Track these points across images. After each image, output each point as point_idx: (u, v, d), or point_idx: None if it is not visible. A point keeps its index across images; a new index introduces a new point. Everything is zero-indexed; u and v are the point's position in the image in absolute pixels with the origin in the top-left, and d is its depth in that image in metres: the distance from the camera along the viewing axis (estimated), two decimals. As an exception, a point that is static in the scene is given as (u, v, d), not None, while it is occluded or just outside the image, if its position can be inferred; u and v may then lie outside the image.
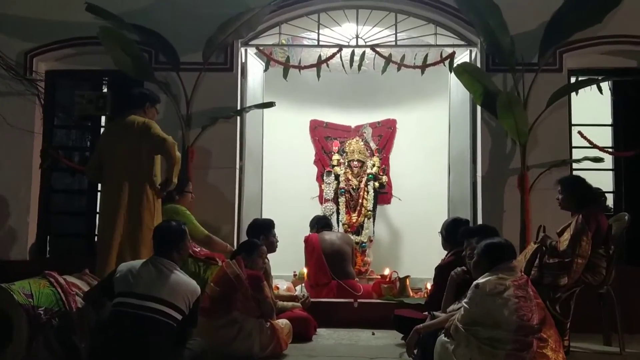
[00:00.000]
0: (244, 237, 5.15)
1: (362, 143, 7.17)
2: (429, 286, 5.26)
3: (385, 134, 7.51)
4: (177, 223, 3.59)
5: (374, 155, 7.24)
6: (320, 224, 6.00)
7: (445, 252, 4.50)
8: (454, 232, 4.26)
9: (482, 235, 3.76)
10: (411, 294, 5.57)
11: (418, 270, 6.29)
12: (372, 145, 7.33)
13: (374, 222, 7.07)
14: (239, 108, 5.70)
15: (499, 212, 5.40)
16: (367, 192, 7.03)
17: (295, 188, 7.33)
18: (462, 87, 5.56)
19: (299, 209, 7.08)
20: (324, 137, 7.54)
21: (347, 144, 7.19)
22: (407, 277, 5.67)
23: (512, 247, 3.56)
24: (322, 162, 7.49)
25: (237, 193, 5.71)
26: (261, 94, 6.30)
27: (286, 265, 6.18)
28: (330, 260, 5.65)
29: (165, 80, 5.60)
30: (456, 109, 6.08)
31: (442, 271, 4.15)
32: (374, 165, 7.16)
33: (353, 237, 6.63)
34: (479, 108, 5.62)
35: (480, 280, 3.38)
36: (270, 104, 5.63)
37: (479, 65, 5.64)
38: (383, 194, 7.29)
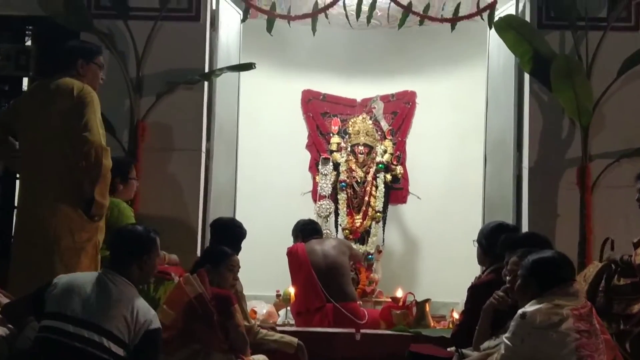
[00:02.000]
0: (207, 242, 5.24)
1: (370, 122, 7.18)
2: (456, 314, 5.29)
3: (401, 110, 7.52)
4: (144, 229, 3.54)
5: (385, 138, 7.25)
6: (305, 231, 5.97)
7: (482, 268, 4.47)
8: (497, 242, 4.20)
9: (528, 246, 3.73)
10: (432, 323, 5.56)
11: (441, 292, 6.35)
12: (384, 125, 7.32)
13: (384, 227, 7.11)
14: (207, 70, 5.66)
15: (550, 217, 5.41)
16: (376, 187, 7.05)
17: (281, 180, 7.37)
18: (506, 49, 5.53)
19: (285, 207, 7.13)
20: (321, 113, 7.58)
21: (350, 122, 7.20)
22: (427, 301, 5.64)
23: (570, 264, 3.48)
24: (318, 146, 7.50)
25: (203, 184, 5.69)
26: (237, 53, 6.28)
27: (267, 282, 6.25)
28: (324, 278, 5.61)
29: (109, 31, 5.58)
30: (496, 79, 6.08)
31: (476, 293, 4.12)
32: (385, 152, 7.17)
33: (357, 247, 6.68)
34: (526, 77, 5.60)
35: (529, 308, 3.29)
36: (249, 66, 5.58)
37: (528, 19, 5.62)
38: (397, 190, 7.34)
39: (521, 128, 5.66)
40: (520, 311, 3.32)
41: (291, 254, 5.79)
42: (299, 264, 5.71)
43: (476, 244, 4.46)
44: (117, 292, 3.33)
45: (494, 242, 4.23)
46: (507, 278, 3.75)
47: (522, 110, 5.66)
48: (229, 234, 4.88)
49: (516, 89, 5.70)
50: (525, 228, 5.41)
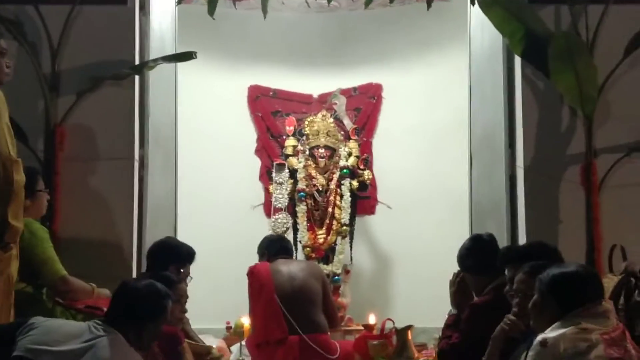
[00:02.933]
0: (144, 266, 5.14)
1: (331, 120, 7.20)
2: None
3: (366, 106, 7.62)
4: (161, 288, 3.48)
5: (349, 138, 7.27)
6: (271, 248, 5.84)
7: (475, 286, 4.41)
8: (489, 256, 4.25)
9: (535, 259, 3.67)
10: (415, 353, 5.44)
11: (420, 317, 6.31)
12: (347, 123, 7.38)
13: (351, 242, 7.13)
14: (137, 62, 5.48)
15: (551, 223, 5.26)
16: (341, 196, 7.05)
17: (228, 192, 7.44)
18: (491, 29, 5.37)
19: (233, 224, 7.24)
20: (271, 112, 7.67)
21: (307, 122, 7.20)
22: (409, 327, 5.49)
23: (597, 280, 3.35)
24: (269, 150, 7.58)
25: (137, 200, 5.51)
26: (172, 43, 6.16)
27: (215, 313, 6.36)
28: (289, 304, 5.42)
29: (16, 18, 5.37)
30: (481, 65, 6.03)
31: (478, 314, 4.11)
32: (350, 155, 7.19)
33: (322, 267, 6.65)
34: (517, 61, 5.47)
35: (550, 334, 3.13)
36: (188, 55, 5.38)
37: None
38: (364, 199, 7.38)
39: (513, 121, 5.57)
40: (539, 337, 3.16)
41: (252, 274, 5.59)
42: (260, 286, 5.53)
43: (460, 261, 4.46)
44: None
45: (487, 255, 4.28)
46: (515, 300, 3.65)
47: (513, 100, 5.57)
48: (172, 256, 4.74)
49: (505, 76, 5.60)
50: (521, 237, 5.30)
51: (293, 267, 5.65)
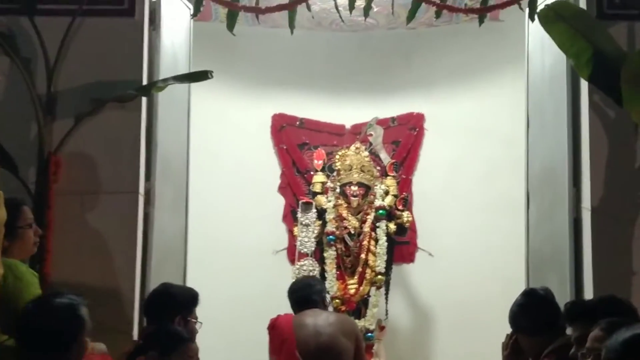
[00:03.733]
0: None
1: (366, 154, 7.22)
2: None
3: (405, 138, 7.65)
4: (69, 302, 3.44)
5: (387, 175, 7.30)
6: (297, 297, 5.72)
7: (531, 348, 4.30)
8: (546, 313, 4.24)
9: (608, 315, 3.53)
10: None
11: None
12: (384, 157, 7.40)
13: (387, 294, 7.12)
14: (145, 83, 5.45)
15: (623, 274, 5.19)
16: (376, 240, 7.04)
17: (246, 234, 7.44)
18: (553, 50, 5.28)
19: (252, 271, 7.27)
20: (298, 144, 7.73)
21: (339, 155, 7.25)
22: None
23: None
24: (294, 188, 7.62)
25: (141, 240, 5.43)
26: (186, 61, 6.12)
27: None
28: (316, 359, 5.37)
29: (8, 31, 5.36)
30: (540, 91, 5.93)
31: None
32: (386, 194, 7.20)
33: None
34: (584, 86, 5.39)
35: None
36: (203, 75, 5.30)
37: (584, 6, 5.42)
38: (402, 245, 7.43)
39: (578, 155, 5.48)
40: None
41: (273, 328, 5.51)
42: (281, 341, 5.43)
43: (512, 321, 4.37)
44: None
45: (544, 313, 4.25)
46: None
47: (578, 132, 5.49)
48: (176, 305, 4.60)
49: (569, 103, 5.52)
50: (588, 291, 5.18)
51: (320, 321, 5.50)
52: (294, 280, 6.65)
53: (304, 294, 5.68)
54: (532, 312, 4.24)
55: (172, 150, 5.91)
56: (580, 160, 5.46)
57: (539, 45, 5.81)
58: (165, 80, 5.36)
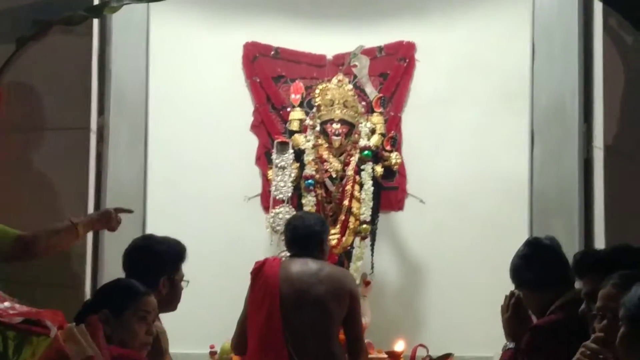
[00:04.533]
0: (105, 272, 5.12)
1: (349, 87, 7.15)
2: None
3: (394, 70, 7.63)
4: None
5: (373, 111, 7.21)
6: (294, 238, 5.54)
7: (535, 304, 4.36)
8: (552, 265, 4.29)
9: (622, 267, 3.56)
10: None
11: (464, 343, 6.57)
12: (370, 91, 7.34)
13: (372, 245, 7.07)
14: (97, 2, 5.37)
15: (639, 221, 5.09)
16: (361, 185, 6.98)
17: (214, 177, 7.47)
18: None
19: (220, 219, 7.32)
20: (273, 77, 7.70)
21: (319, 89, 7.15)
22: (448, 356, 5.75)
23: None
24: (269, 126, 7.62)
25: (94, 183, 5.40)
26: None
27: (197, 335, 6.49)
28: (297, 322, 5.23)
29: None
30: (548, 14, 5.96)
31: (543, 341, 4.05)
32: (373, 132, 7.11)
33: None
34: (598, 7, 5.31)
35: None
36: None
37: None
38: (390, 190, 7.39)
39: (590, 88, 5.39)
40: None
41: (256, 275, 5.39)
42: (263, 293, 5.31)
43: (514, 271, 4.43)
44: None
45: (545, 269, 4.30)
46: (600, 323, 3.50)
47: (590, 61, 5.39)
48: (160, 263, 4.58)
49: (581, 28, 5.44)
50: (599, 239, 5.14)
51: (310, 272, 5.36)
52: (268, 229, 6.78)
53: (304, 237, 5.49)
54: (537, 264, 4.28)
55: (128, 82, 5.90)
56: (592, 93, 5.41)
57: None
58: (119, 0, 5.29)
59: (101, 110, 5.48)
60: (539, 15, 6.08)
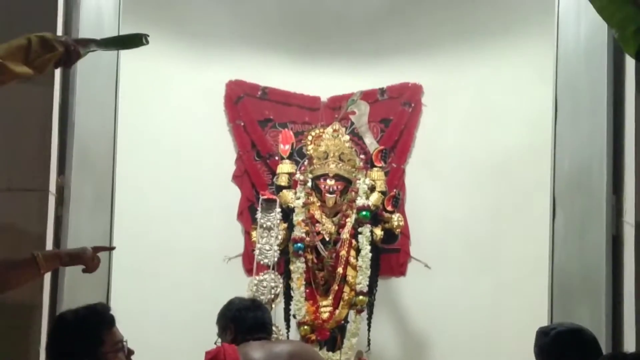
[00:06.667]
0: None
1: (346, 138, 7.21)
2: None
3: (398, 116, 7.73)
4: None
5: (373, 165, 7.25)
6: (242, 321, 5.57)
7: None
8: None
9: None
10: None
11: None
12: (370, 142, 7.44)
13: (369, 319, 7.10)
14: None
15: None
16: (357, 250, 7.01)
17: (189, 235, 7.52)
18: (592, 16, 5.19)
19: (195, 282, 7.35)
20: (259, 120, 7.84)
21: (312, 136, 7.31)
22: None
23: None
24: (253, 176, 7.74)
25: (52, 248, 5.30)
26: (115, 16, 6.13)
27: None
28: None
29: None
30: (573, 66, 5.86)
31: None
32: (372, 190, 7.15)
33: (323, 355, 6.53)
34: (629, 64, 5.24)
35: None
36: (135, 40, 5.07)
37: None
38: (391, 253, 7.49)
39: (620, 153, 5.28)
40: None
41: None
42: None
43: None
44: None
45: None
46: None
47: (621, 122, 5.29)
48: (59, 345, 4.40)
49: (610, 85, 5.29)
50: (630, 330, 4.98)
51: (274, 355, 5.33)
52: (248, 293, 6.69)
53: (257, 317, 5.53)
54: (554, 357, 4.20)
55: (94, 134, 5.86)
56: (623, 159, 5.31)
57: (574, 9, 5.76)
58: (86, 43, 4.96)
59: (61, 168, 5.39)
60: (563, 66, 6.04)
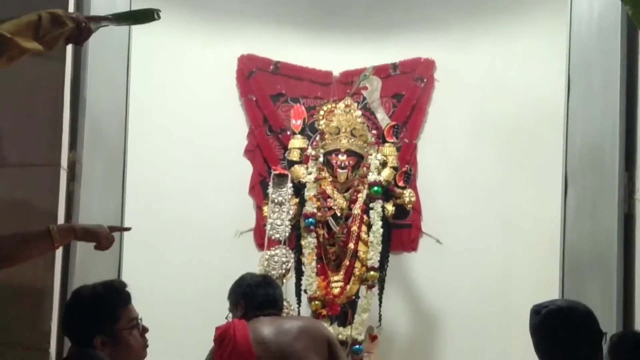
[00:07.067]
0: None
1: (358, 113, 7.18)
2: None
3: (410, 91, 7.67)
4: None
5: (385, 140, 7.23)
6: (253, 297, 5.67)
7: None
8: (583, 338, 4.10)
9: None
10: None
11: None
12: (382, 117, 7.45)
13: (381, 294, 7.11)
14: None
15: None
16: (369, 226, 7.01)
17: (202, 209, 7.47)
18: None
19: (206, 257, 7.33)
20: (271, 94, 7.77)
21: (323, 112, 7.25)
22: None
23: None
24: (265, 150, 7.70)
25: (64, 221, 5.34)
26: None
27: None
28: None
29: None
30: (586, 43, 5.92)
31: None
32: (384, 165, 7.16)
33: (333, 330, 6.63)
34: None
35: None
36: (147, 15, 5.05)
37: None
38: (403, 228, 7.50)
39: (633, 131, 5.30)
40: None
41: (221, 339, 5.41)
42: (235, 357, 5.34)
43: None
44: None
45: (574, 340, 4.10)
46: None
47: (634, 100, 5.30)
48: (92, 322, 4.44)
49: (624, 63, 5.33)
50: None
51: (284, 331, 5.44)
52: (260, 271, 6.68)
53: (267, 293, 5.62)
54: (566, 332, 4.09)
55: (106, 109, 5.87)
56: (636, 137, 5.33)
57: None
58: (97, 19, 5.00)
59: (72, 144, 5.42)
60: (575, 44, 6.04)
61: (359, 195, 6.94)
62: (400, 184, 7.05)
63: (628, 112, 5.39)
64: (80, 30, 4.41)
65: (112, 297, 4.38)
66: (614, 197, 5.36)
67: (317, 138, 7.10)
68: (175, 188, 7.31)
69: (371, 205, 6.92)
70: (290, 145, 7.14)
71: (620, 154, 5.36)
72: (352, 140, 6.94)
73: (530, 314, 4.20)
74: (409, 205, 7.03)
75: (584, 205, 5.84)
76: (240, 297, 5.62)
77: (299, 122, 7.16)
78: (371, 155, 7.01)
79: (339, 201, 6.93)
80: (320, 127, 7.07)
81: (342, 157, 6.91)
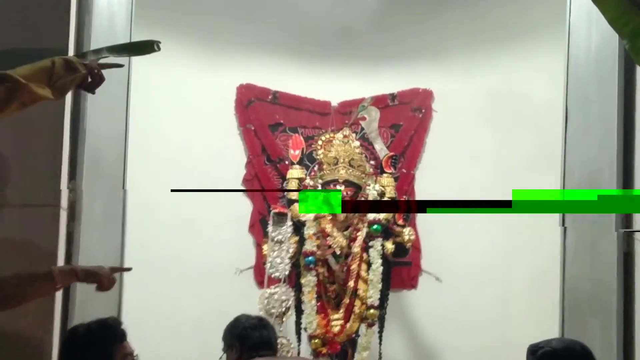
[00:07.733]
0: None
1: (356, 143, 7.22)
2: None
3: (408, 121, 7.81)
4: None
5: (383, 171, 7.29)
6: (247, 339, 5.61)
7: None
8: None
9: None
10: None
11: None
12: (380, 147, 7.40)
13: (380, 332, 7.13)
14: (71, 53, 5.31)
15: None
16: (369, 264, 7.04)
17: (198, 247, 7.47)
18: (603, 25, 5.13)
19: (204, 295, 7.33)
20: (270, 124, 7.87)
21: (322, 141, 7.31)
22: None
23: None
24: (263, 180, 7.88)
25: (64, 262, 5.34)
26: (127, 21, 6.17)
27: None
28: None
29: None
30: (584, 75, 5.92)
31: None
32: (382, 195, 7.20)
33: None
34: None
35: None
36: (147, 47, 5.16)
37: None
38: (402, 266, 7.47)
39: (630, 164, 5.35)
40: None
41: None
42: None
43: None
44: None
45: None
46: None
47: (631, 132, 5.35)
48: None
49: (621, 95, 5.39)
50: None
51: None
52: (261, 311, 6.74)
53: (262, 335, 5.54)
54: None
55: (105, 140, 5.87)
56: (633, 172, 5.35)
57: (585, 18, 5.77)
58: (98, 51, 5.15)
59: (72, 174, 5.35)
60: (574, 75, 6.02)
61: (359, 233, 6.97)
62: (400, 222, 7.08)
63: (625, 145, 5.38)
64: (93, 77, 4.50)
65: (107, 334, 4.42)
66: (611, 232, 5.34)
67: (316, 168, 7.09)
68: (175, 223, 7.31)
69: (371, 243, 6.95)
70: (288, 176, 7.16)
71: (617, 187, 5.34)
72: (350, 170, 6.97)
73: (527, 353, 4.22)
74: (408, 244, 7.03)
75: (582, 240, 5.82)
76: (236, 339, 5.55)
77: (297, 152, 7.19)
78: (369, 185, 7.01)
79: (338, 239, 6.95)
80: (318, 157, 7.09)
81: (340, 188, 6.92)
